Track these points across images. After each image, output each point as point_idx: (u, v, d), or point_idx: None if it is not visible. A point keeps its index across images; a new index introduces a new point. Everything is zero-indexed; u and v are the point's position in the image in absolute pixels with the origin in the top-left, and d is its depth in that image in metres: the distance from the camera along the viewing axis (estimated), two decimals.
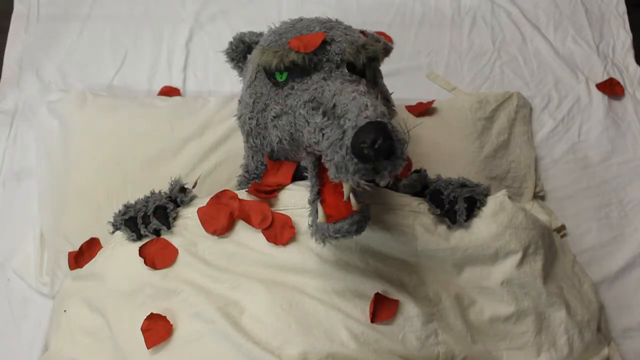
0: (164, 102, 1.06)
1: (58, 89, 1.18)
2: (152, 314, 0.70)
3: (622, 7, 1.32)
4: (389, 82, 1.18)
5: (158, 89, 1.19)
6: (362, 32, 0.80)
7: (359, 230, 0.64)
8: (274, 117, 0.72)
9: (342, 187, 0.64)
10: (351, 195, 0.64)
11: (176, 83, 1.21)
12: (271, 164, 0.79)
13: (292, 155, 0.76)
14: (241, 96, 0.81)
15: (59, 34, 1.27)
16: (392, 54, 1.22)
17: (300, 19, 0.78)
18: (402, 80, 1.21)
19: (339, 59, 0.71)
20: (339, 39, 0.72)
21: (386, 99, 0.78)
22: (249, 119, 0.77)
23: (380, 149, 0.55)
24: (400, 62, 1.24)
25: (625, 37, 1.28)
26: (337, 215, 0.65)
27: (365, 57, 0.72)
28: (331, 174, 0.59)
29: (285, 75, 0.72)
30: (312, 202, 0.67)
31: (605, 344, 0.84)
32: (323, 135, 0.60)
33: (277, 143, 0.73)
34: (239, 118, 0.80)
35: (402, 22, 1.29)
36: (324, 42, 0.72)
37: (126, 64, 1.23)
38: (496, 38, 1.26)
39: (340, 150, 0.57)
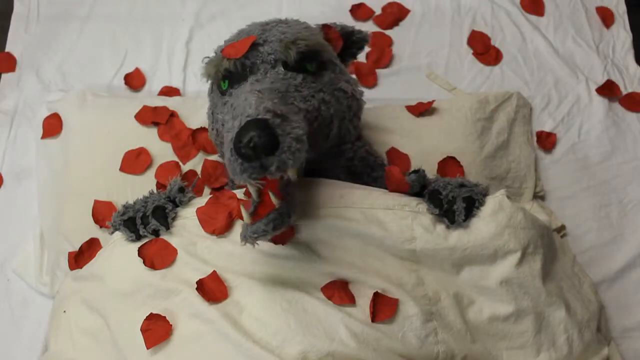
0: (164, 102, 1.06)
1: (58, 89, 1.18)
2: (151, 314, 0.70)
3: (622, 7, 1.32)
4: (389, 82, 1.20)
5: (158, 89, 1.19)
6: (325, 26, 0.81)
7: (275, 228, 0.64)
8: (222, 125, 0.73)
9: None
10: (270, 193, 0.65)
11: (176, 83, 1.21)
12: None
13: None
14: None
15: (59, 34, 1.27)
16: (392, 54, 1.23)
17: (252, 23, 0.80)
18: (402, 80, 1.21)
19: (272, 59, 0.73)
20: (271, 39, 0.73)
21: (342, 90, 0.77)
22: (211, 129, 0.80)
23: (257, 145, 0.56)
24: (400, 62, 1.24)
25: (625, 37, 1.28)
26: (261, 215, 0.65)
27: (296, 53, 0.72)
28: (229, 176, 0.60)
29: (226, 83, 0.74)
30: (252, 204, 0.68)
31: (605, 343, 0.84)
32: None
33: None
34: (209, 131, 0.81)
35: (402, 22, 1.29)
36: (257, 45, 0.73)
37: (126, 64, 1.23)
38: (496, 38, 1.26)
39: (228, 152, 0.59)
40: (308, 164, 0.77)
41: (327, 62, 0.77)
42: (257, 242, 0.66)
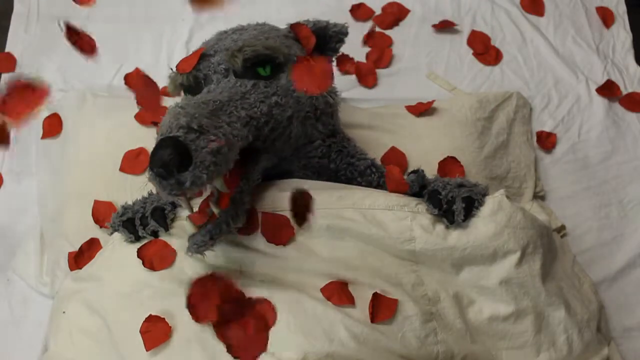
0: (164, 102, 1.06)
1: (58, 89, 1.18)
2: (150, 315, 0.70)
3: (622, 7, 1.32)
4: (389, 82, 1.20)
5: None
6: (294, 26, 0.81)
7: (213, 238, 0.66)
8: None
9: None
10: (211, 203, 0.66)
11: None
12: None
13: None
14: None
15: (59, 34, 1.27)
16: (392, 54, 1.23)
17: (217, 32, 0.81)
18: (402, 80, 1.21)
19: (222, 68, 0.74)
20: (221, 49, 0.75)
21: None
22: None
23: (167, 163, 0.57)
24: (400, 62, 1.24)
25: (625, 37, 1.28)
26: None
27: (242, 60, 0.73)
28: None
29: (188, 96, 0.75)
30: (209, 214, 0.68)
31: (605, 343, 0.84)
32: None
33: None
34: None
35: (402, 22, 1.29)
36: (209, 56, 0.75)
37: (126, 64, 1.23)
38: (496, 38, 1.26)
39: (147, 171, 0.60)
40: (274, 167, 0.77)
41: (285, 64, 0.77)
42: (204, 252, 0.67)
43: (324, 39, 0.84)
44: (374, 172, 0.84)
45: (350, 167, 0.83)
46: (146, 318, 0.70)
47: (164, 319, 0.70)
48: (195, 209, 0.77)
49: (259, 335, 0.67)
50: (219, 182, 0.66)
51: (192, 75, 0.75)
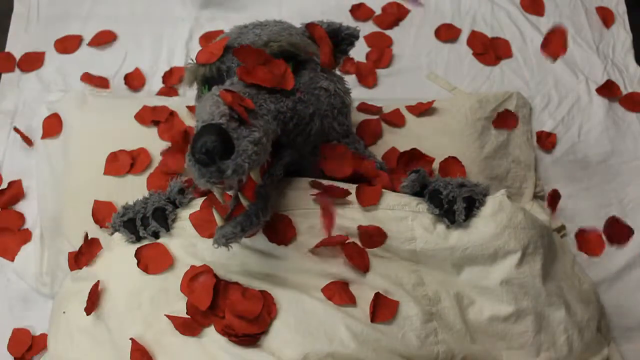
0: (163, 102, 1.06)
1: (58, 89, 1.18)
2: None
3: (622, 7, 1.32)
4: (389, 82, 1.20)
5: (158, 89, 1.19)
6: (310, 25, 0.81)
7: (243, 230, 0.65)
8: None
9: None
10: (240, 195, 0.65)
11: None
12: None
13: None
14: None
15: (59, 34, 1.27)
16: (392, 54, 1.23)
17: (233, 27, 0.81)
18: (402, 80, 1.21)
19: None
20: (245, 43, 0.74)
21: (322, 88, 0.77)
22: None
23: (211, 150, 0.56)
24: (400, 62, 1.24)
25: (625, 37, 1.28)
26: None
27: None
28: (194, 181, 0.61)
29: (206, 88, 0.75)
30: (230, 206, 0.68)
31: (605, 344, 0.84)
32: None
33: None
34: None
35: (402, 22, 1.29)
36: (232, 49, 0.74)
37: (126, 64, 1.23)
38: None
39: (187, 158, 0.59)
40: (293, 164, 0.77)
41: (306, 62, 0.77)
42: (230, 245, 0.66)
43: (335, 41, 0.84)
44: None
45: None
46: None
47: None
48: (196, 209, 0.77)
49: (261, 315, 0.68)
50: (256, 173, 0.65)
51: (216, 66, 0.74)
